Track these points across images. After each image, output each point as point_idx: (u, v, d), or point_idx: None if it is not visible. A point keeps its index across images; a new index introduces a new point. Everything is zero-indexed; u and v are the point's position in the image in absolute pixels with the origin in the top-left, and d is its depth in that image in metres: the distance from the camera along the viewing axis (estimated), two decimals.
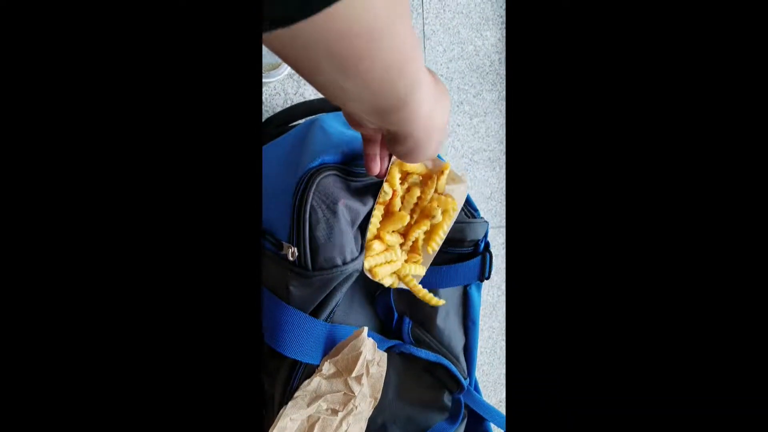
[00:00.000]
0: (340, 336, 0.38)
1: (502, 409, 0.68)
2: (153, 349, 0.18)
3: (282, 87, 0.66)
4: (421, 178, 0.44)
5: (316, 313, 0.35)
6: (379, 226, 0.42)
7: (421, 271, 0.46)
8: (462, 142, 0.89)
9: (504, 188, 0.97)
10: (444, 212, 0.44)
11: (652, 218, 0.18)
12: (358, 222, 0.38)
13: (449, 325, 0.51)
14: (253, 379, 0.19)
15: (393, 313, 0.49)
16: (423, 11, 0.84)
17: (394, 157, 0.39)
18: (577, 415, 0.18)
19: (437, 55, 0.85)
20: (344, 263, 0.34)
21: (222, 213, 0.19)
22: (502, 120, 0.95)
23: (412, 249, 0.47)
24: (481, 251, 0.50)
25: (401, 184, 0.42)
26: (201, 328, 0.18)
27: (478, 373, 0.76)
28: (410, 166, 0.42)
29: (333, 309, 0.36)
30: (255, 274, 0.19)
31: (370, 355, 0.39)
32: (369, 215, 0.39)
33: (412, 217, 0.44)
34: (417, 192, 0.42)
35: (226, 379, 0.19)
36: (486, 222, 0.50)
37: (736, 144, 0.17)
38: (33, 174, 0.17)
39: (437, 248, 0.46)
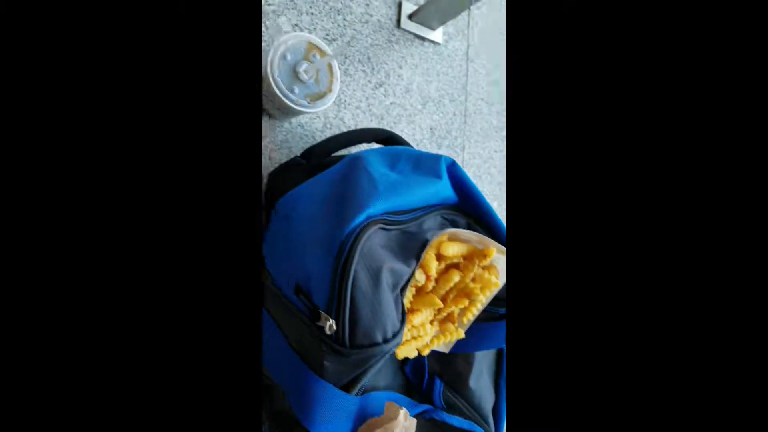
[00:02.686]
0: (370, 405, 0.35)
1: None
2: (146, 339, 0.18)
3: (323, 111, 0.63)
4: (462, 260, 0.40)
5: (348, 386, 0.32)
6: (409, 306, 0.38)
7: (453, 339, 0.43)
8: (498, 169, 0.85)
9: None
10: (484, 288, 0.40)
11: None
12: (400, 285, 0.35)
13: (482, 385, 0.48)
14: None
15: (423, 373, 0.46)
16: (468, 34, 0.80)
17: (430, 241, 0.37)
18: None
19: (479, 78, 0.82)
20: (385, 341, 0.31)
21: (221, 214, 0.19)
22: None
23: (447, 319, 0.43)
24: None
25: (438, 263, 0.39)
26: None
27: None
28: (450, 252, 0.38)
29: (366, 382, 0.33)
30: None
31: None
32: (411, 277, 0.36)
33: (448, 296, 0.41)
34: (455, 277, 0.39)
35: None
36: None
37: (735, 148, 0.15)
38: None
39: (473, 319, 0.42)
